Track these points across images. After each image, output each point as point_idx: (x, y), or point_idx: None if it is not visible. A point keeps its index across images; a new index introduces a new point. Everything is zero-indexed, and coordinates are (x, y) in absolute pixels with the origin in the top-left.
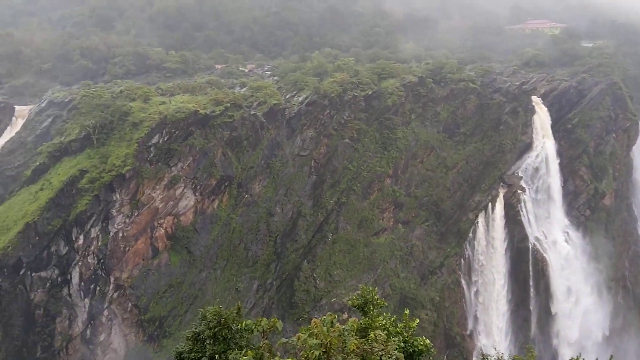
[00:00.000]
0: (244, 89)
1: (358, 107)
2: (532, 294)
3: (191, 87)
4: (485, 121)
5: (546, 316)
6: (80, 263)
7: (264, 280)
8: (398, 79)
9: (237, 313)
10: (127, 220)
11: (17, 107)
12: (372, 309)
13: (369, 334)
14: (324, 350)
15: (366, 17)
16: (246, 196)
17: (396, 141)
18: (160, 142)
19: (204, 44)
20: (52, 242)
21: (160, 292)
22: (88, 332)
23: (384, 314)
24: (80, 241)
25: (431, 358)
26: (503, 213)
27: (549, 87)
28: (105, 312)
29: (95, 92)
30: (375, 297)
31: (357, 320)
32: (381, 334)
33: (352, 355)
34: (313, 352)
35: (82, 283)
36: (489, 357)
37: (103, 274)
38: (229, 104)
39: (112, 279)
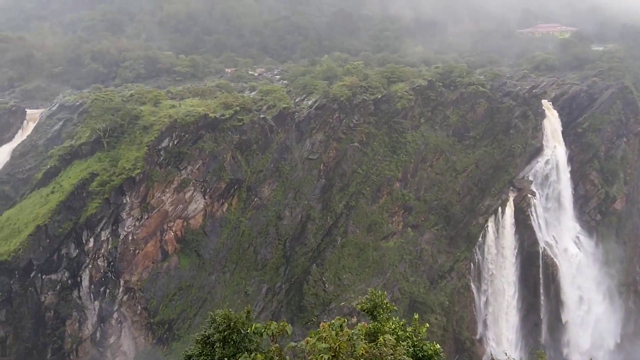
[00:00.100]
0: (253, 93)
1: (367, 111)
2: (542, 300)
3: (201, 91)
4: (495, 125)
5: (557, 323)
6: (90, 266)
7: (273, 283)
8: (407, 82)
9: (246, 317)
10: (137, 223)
11: (28, 111)
12: (381, 313)
13: (378, 339)
14: (332, 354)
15: (375, 21)
16: (255, 199)
17: (405, 145)
18: (170, 145)
19: (214, 47)
20: (62, 244)
21: (170, 295)
22: (98, 334)
23: (393, 318)
24: (91, 244)
25: None
26: (513, 217)
27: (559, 91)
28: (115, 315)
29: (106, 96)
30: (385, 301)
31: (365, 324)
32: (390, 338)
33: (361, 359)
34: (322, 356)
35: (92, 286)
36: None
37: (113, 277)
38: (238, 108)
39: (121, 282)
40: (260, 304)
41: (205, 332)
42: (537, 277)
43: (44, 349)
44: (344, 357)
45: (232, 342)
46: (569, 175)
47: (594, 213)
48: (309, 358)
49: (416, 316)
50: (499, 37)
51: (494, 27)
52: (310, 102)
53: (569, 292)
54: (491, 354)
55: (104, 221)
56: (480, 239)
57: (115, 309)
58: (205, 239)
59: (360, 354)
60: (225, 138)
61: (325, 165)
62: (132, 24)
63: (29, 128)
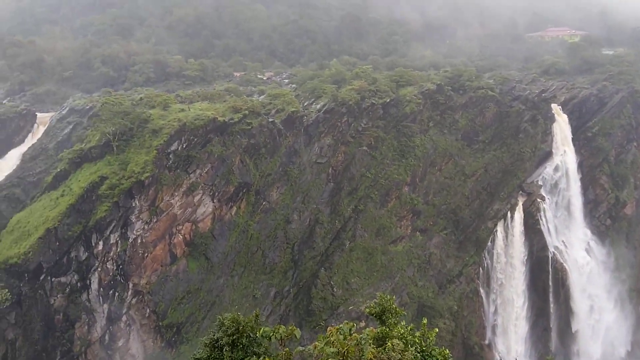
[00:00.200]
0: (262, 97)
1: (376, 115)
2: (552, 307)
3: (210, 95)
4: (504, 129)
5: (566, 329)
6: (99, 269)
7: (281, 287)
8: (416, 86)
9: (255, 320)
10: (146, 227)
11: (38, 114)
12: (390, 317)
13: (386, 343)
14: (341, 358)
15: (384, 25)
16: (264, 203)
17: (414, 149)
18: (179, 149)
19: (223, 52)
20: (72, 247)
21: (178, 298)
22: (107, 337)
23: (402, 323)
24: (100, 247)
25: None
26: (522, 222)
27: (569, 95)
28: (124, 318)
29: (116, 100)
30: (393, 306)
31: (373, 329)
32: (398, 343)
33: None
34: None
35: (101, 288)
36: None
37: (122, 280)
38: (247, 112)
39: (130, 285)
40: (269, 307)
41: (213, 335)
42: (547, 282)
43: (53, 352)
44: None
45: (241, 346)
46: (578, 179)
47: (604, 218)
48: None
49: (425, 321)
50: (507, 41)
51: (503, 31)
52: (318, 106)
53: (579, 300)
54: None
55: (113, 224)
56: (489, 243)
57: (124, 312)
58: (213, 243)
59: (369, 358)
60: (234, 142)
61: (333, 169)
62: (141, 28)
63: (39, 131)
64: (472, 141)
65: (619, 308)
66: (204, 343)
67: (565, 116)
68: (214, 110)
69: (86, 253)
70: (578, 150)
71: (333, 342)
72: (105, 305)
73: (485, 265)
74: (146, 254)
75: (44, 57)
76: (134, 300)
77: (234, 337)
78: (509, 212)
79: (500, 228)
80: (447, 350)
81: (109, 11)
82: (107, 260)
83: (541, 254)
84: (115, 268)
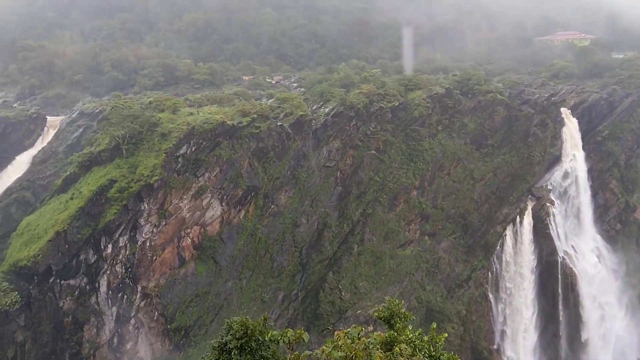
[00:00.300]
0: (270, 100)
1: (384, 119)
2: (561, 312)
3: (219, 99)
4: (513, 133)
5: (576, 335)
6: (108, 272)
7: (289, 291)
8: (425, 90)
9: (263, 324)
10: (154, 230)
11: (49, 118)
12: (398, 321)
13: (394, 348)
14: None
15: (393, 29)
16: (272, 207)
17: (423, 153)
18: (188, 152)
19: (232, 56)
20: (81, 250)
21: (187, 301)
22: (115, 340)
23: (409, 327)
24: (109, 250)
25: None
26: (531, 226)
27: (578, 99)
28: (132, 321)
29: (125, 103)
30: (402, 310)
31: (381, 333)
32: (407, 347)
33: None
34: None
35: (110, 291)
36: None
37: (130, 283)
38: (255, 115)
39: (139, 288)
40: (277, 311)
41: (222, 339)
42: (556, 287)
43: (62, 354)
44: None
45: (249, 350)
46: (588, 184)
47: (614, 222)
48: None
49: (434, 325)
50: (516, 45)
51: (512, 35)
52: (327, 110)
53: (589, 307)
54: None
55: (122, 227)
56: (498, 248)
57: (132, 314)
58: (222, 246)
59: None
60: (243, 145)
61: (342, 172)
62: (151, 32)
63: (49, 135)
64: (481, 145)
65: (630, 315)
66: (212, 346)
67: (574, 120)
68: (223, 114)
69: (95, 256)
70: (588, 155)
71: (341, 346)
72: (114, 308)
73: (494, 269)
74: (155, 257)
75: (55, 61)
76: (142, 303)
77: (243, 340)
78: (518, 217)
79: (509, 232)
80: (456, 355)
81: (118, 15)
82: (116, 263)
83: (550, 259)
84: (124, 271)
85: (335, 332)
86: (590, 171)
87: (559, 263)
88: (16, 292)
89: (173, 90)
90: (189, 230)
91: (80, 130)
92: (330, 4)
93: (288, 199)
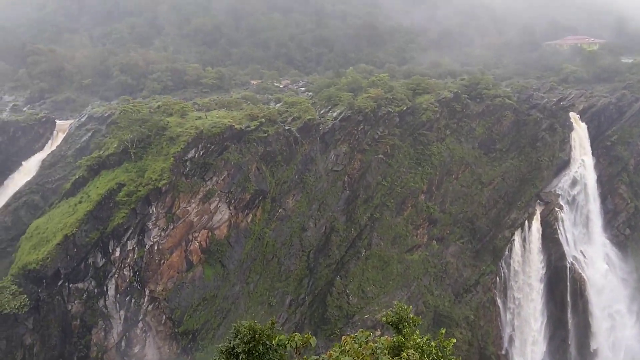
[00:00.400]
0: (278, 105)
1: (392, 123)
2: (569, 319)
3: (227, 103)
4: (521, 137)
5: (585, 341)
6: (116, 275)
7: (296, 295)
8: (433, 94)
9: (270, 328)
10: (162, 234)
11: (58, 122)
12: (406, 326)
13: (402, 353)
14: None
15: (401, 34)
16: (280, 211)
17: (430, 157)
18: (196, 156)
19: (240, 60)
20: (89, 254)
21: (194, 305)
22: (123, 343)
23: (417, 332)
24: (117, 253)
25: None
26: (540, 231)
27: (587, 104)
28: (140, 324)
29: (134, 107)
30: (410, 315)
31: (389, 338)
32: (414, 353)
33: None
34: None
35: (118, 295)
36: None
37: (138, 287)
38: (263, 119)
39: (147, 292)
40: (284, 315)
41: (229, 343)
42: (565, 293)
43: (70, 357)
44: None
45: (257, 354)
46: (597, 189)
47: (623, 227)
48: None
49: (443, 331)
50: (525, 49)
51: (520, 39)
52: (335, 114)
53: (598, 315)
54: None
55: (130, 231)
56: (506, 252)
57: (140, 318)
58: (229, 250)
59: None
60: (251, 149)
61: (349, 176)
62: (159, 36)
63: (58, 138)
64: (489, 149)
65: None
66: (220, 350)
67: (583, 125)
68: (231, 118)
69: (103, 259)
70: (597, 159)
71: (348, 350)
72: (122, 312)
73: (502, 274)
74: (162, 261)
75: (64, 65)
76: (150, 307)
77: (250, 345)
78: (526, 221)
79: (517, 237)
80: None
81: (127, 20)
82: (124, 267)
83: (559, 264)
84: (132, 274)
85: (343, 337)
86: (599, 176)
87: (568, 268)
88: (25, 295)
89: (181, 95)
90: (196, 234)
91: (89, 134)
92: (339, 9)
93: (296, 203)
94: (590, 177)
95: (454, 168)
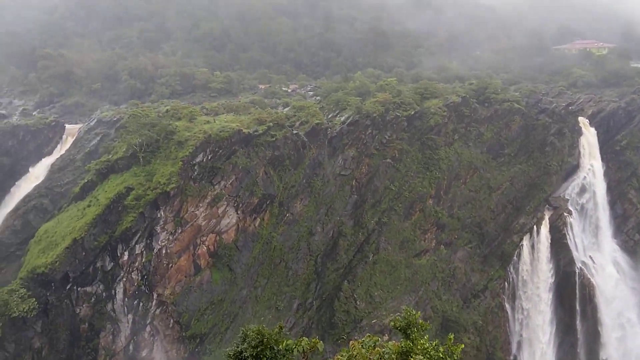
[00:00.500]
0: (286, 109)
1: (400, 127)
2: (578, 327)
3: (235, 107)
4: (530, 142)
5: (594, 347)
6: (124, 279)
7: (304, 299)
8: (441, 99)
9: (278, 332)
10: (170, 237)
11: (67, 126)
12: (415, 331)
13: (410, 358)
14: None
15: (409, 38)
16: (287, 215)
17: (439, 161)
18: (204, 160)
19: (248, 64)
20: (97, 257)
21: (202, 309)
22: (131, 347)
23: (425, 337)
24: (125, 257)
25: None
26: (549, 236)
27: (596, 108)
28: (148, 328)
29: (142, 112)
30: (419, 320)
31: (396, 343)
32: (422, 358)
33: None
34: None
35: (126, 299)
36: None
37: (146, 290)
38: (271, 124)
39: (155, 295)
40: (291, 319)
41: (237, 347)
42: (573, 298)
43: None
44: None
45: (265, 359)
46: (606, 194)
47: (633, 233)
48: None
49: (451, 336)
50: (534, 54)
51: (529, 44)
52: (342, 118)
53: (608, 323)
54: None
55: (138, 235)
56: (514, 257)
57: (148, 322)
58: (237, 254)
59: None
60: (259, 153)
61: (357, 181)
62: (168, 41)
63: (67, 142)
64: (497, 154)
65: None
66: (228, 354)
67: (592, 129)
68: (239, 122)
69: (112, 263)
70: (606, 164)
71: (356, 355)
72: (130, 315)
73: (511, 279)
74: (170, 265)
75: (73, 70)
76: (158, 311)
77: (258, 349)
78: (535, 227)
79: (526, 242)
80: None
81: (137, 25)
82: (132, 271)
83: (568, 269)
84: (140, 278)
85: (351, 342)
86: (608, 181)
87: (577, 274)
88: (34, 299)
89: (190, 99)
90: (204, 238)
91: (98, 138)
92: (346, 14)
93: (303, 207)
94: (600, 186)
95: (462, 173)
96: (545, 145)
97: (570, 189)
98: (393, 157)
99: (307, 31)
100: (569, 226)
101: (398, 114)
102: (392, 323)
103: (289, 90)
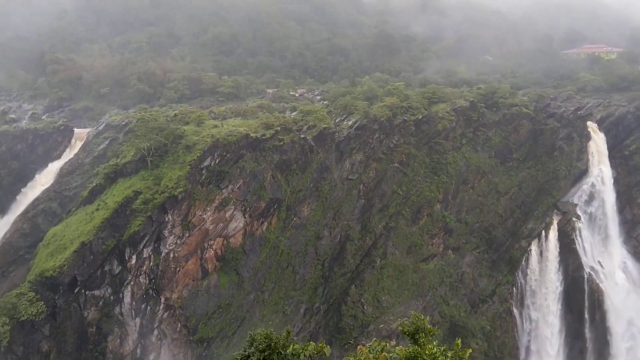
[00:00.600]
0: (294, 113)
1: (408, 132)
2: (587, 335)
3: (243, 111)
4: (538, 147)
5: (605, 357)
6: (132, 282)
7: (311, 304)
8: (449, 103)
9: (286, 337)
10: (178, 241)
11: (76, 130)
12: (423, 337)
13: None
14: None
15: (417, 42)
16: (295, 219)
17: (446, 166)
18: (212, 164)
19: (256, 69)
20: (106, 261)
21: (209, 313)
22: (138, 351)
23: (434, 343)
24: (133, 261)
25: None
26: (557, 241)
27: (605, 113)
28: (155, 332)
29: (151, 116)
30: (427, 325)
31: (404, 348)
32: None
33: None
34: None
35: (134, 302)
36: None
37: (154, 294)
38: (279, 128)
39: (162, 299)
40: (299, 324)
41: (245, 351)
42: (582, 305)
43: None
44: None
45: None
46: (615, 199)
47: None
48: None
49: (458, 341)
50: (542, 58)
51: (537, 48)
52: (350, 123)
53: (617, 331)
54: None
55: (146, 239)
56: (522, 263)
57: (155, 326)
58: (244, 258)
59: None
60: (266, 158)
61: (364, 185)
62: (177, 46)
63: (76, 146)
64: (505, 159)
65: None
66: (235, 358)
67: (601, 134)
68: (247, 127)
69: (119, 267)
70: (615, 169)
71: None
72: (138, 319)
73: (519, 285)
74: (178, 269)
75: (83, 74)
76: (165, 315)
77: (265, 353)
78: (543, 231)
79: (534, 247)
80: None
81: (146, 30)
82: (140, 274)
83: (576, 275)
84: (147, 282)
85: (358, 347)
86: (617, 186)
87: (585, 279)
88: (42, 302)
89: (198, 103)
90: (212, 242)
91: (107, 142)
92: (354, 18)
93: (311, 211)
94: (609, 194)
95: (470, 177)
96: (553, 150)
97: (577, 197)
98: (400, 161)
99: (315, 36)
100: (577, 231)
101: (406, 118)
102: (400, 328)
103: (297, 95)
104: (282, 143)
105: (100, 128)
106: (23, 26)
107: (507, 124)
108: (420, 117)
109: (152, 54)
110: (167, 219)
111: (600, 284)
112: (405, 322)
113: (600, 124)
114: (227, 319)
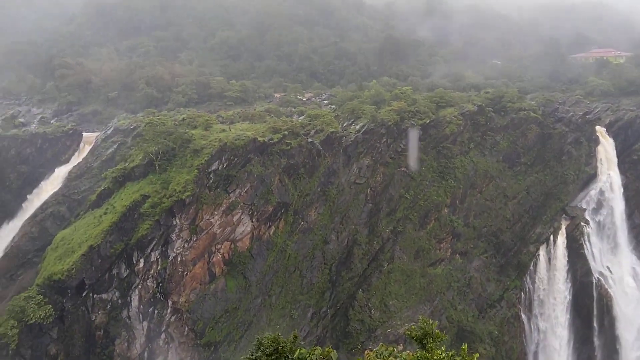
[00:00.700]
0: (301, 117)
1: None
2: (596, 340)
3: (250, 115)
4: (547, 151)
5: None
6: (140, 286)
7: (318, 308)
8: (456, 107)
9: (293, 341)
10: (186, 245)
11: (84, 134)
12: (431, 342)
13: None
14: None
15: (424, 47)
16: (302, 223)
17: (454, 170)
18: (220, 168)
19: (264, 73)
20: (113, 265)
21: (216, 317)
22: (146, 355)
23: (442, 348)
24: (141, 265)
25: None
26: (565, 246)
27: (614, 117)
28: (163, 336)
29: (159, 120)
30: (435, 330)
31: (411, 353)
32: None
33: None
34: None
35: (141, 306)
36: None
37: (161, 298)
38: (286, 132)
39: (170, 303)
40: (306, 328)
41: (252, 355)
42: (591, 310)
43: None
44: None
45: None
46: (624, 203)
47: None
48: None
49: (464, 346)
50: (550, 62)
51: (546, 52)
52: (358, 127)
53: (628, 339)
54: None
55: (154, 242)
56: (531, 267)
57: (163, 329)
58: (252, 262)
59: None
60: (273, 162)
61: (372, 189)
62: (185, 50)
63: (84, 150)
64: (513, 163)
65: None
66: None
67: (610, 139)
68: (254, 131)
69: (127, 270)
70: (623, 173)
71: None
72: (145, 323)
73: (527, 290)
74: (186, 273)
75: (91, 78)
76: (172, 318)
77: (273, 357)
78: (551, 236)
79: (542, 252)
80: None
81: (154, 34)
82: (148, 278)
83: (585, 280)
84: (155, 286)
85: (365, 351)
86: (626, 190)
87: (594, 285)
88: (50, 306)
89: (206, 107)
90: (219, 246)
91: (115, 146)
92: (361, 22)
93: (318, 215)
94: (617, 192)
95: (478, 181)
96: (562, 155)
97: (586, 203)
98: (408, 165)
99: (322, 40)
100: (586, 236)
101: (413, 123)
102: (408, 333)
103: (304, 99)
104: (289, 147)
105: (108, 132)
106: (32, 31)
107: (515, 128)
108: (427, 121)
109: (160, 58)
110: (174, 223)
111: (609, 290)
112: (413, 326)
113: (609, 128)
114: (234, 323)
